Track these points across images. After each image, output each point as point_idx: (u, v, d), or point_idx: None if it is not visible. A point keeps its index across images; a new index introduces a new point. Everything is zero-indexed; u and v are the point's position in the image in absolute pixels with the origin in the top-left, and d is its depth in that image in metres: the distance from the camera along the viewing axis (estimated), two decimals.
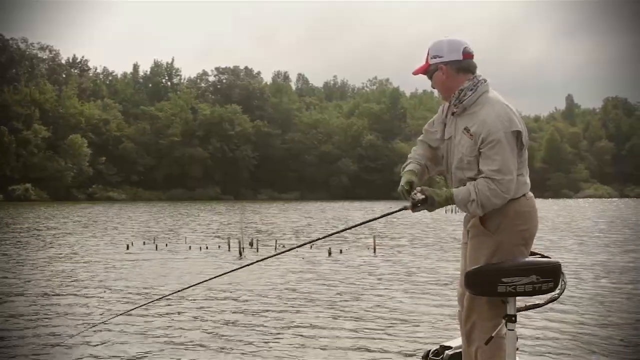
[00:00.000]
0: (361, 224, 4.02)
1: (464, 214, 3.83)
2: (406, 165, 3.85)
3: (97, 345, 6.55)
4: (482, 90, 3.56)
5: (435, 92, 3.91)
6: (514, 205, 3.55)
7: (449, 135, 3.70)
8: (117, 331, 7.13)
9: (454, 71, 3.58)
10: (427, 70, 3.68)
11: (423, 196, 3.51)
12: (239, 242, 15.85)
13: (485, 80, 3.60)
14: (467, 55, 3.59)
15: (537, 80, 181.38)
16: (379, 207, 51.33)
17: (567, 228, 25.67)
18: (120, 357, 6.13)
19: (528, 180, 3.65)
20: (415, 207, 3.55)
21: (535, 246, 3.74)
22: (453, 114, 3.67)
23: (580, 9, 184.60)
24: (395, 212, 3.72)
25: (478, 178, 3.49)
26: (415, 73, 3.77)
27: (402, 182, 3.72)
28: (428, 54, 3.67)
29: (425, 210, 3.61)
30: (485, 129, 3.44)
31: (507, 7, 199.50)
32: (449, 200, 3.53)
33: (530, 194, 3.67)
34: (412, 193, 3.57)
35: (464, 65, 3.59)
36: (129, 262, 13.95)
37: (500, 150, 3.41)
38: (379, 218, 3.89)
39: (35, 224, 27.83)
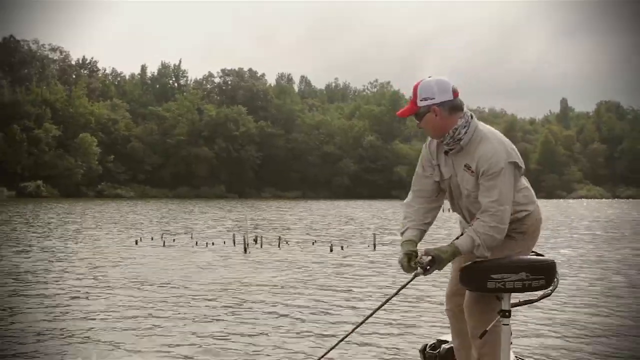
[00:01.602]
0: (391, 297, 3.70)
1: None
2: (404, 231, 3.70)
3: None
4: (474, 125, 3.51)
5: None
6: (536, 211, 3.65)
7: (449, 175, 3.63)
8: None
9: (447, 112, 3.48)
10: (417, 113, 3.54)
11: (430, 257, 3.45)
12: (244, 239, 15.92)
13: (472, 116, 3.54)
14: (456, 93, 3.51)
15: (532, 84, 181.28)
16: (379, 205, 51.42)
17: (566, 226, 25.71)
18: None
19: None
20: (427, 270, 3.47)
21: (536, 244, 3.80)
22: (446, 152, 3.60)
23: (579, 9, 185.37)
24: (411, 281, 3.58)
25: (474, 219, 3.47)
26: (403, 115, 3.63)
27: (401, 254, 3.61)
28: (416, 96, 3.52)
29: (437, 270, 3.51)
30: (486, 164, 3.41)
31: (507, 7, 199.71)
32: (455, 254, 3.47)
33: None
34: (419, 257, 3.50)
35: (456, 104, 3.50)
36: (136, 257, 14.03)
37: (498, 182, 3.39)
38: (397, 292, 3.67)
39: (48, 220, 27.92)
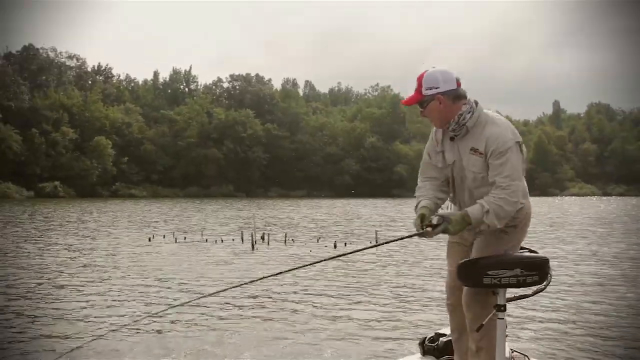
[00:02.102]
0: (384, 243, 4.29)
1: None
2: (418, 204, 3.66)
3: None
4: (479, 110, 3.53)
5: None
6: (527, 206, 3.63)
7: (453, 160, 3.62)
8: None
9: (451, 100, 3.49)
10: (421, 101, 3.55)
11: (438, 216, 3.44)
12: (252, 236, 15.94)
13: (477, 102, 3.55)
14: (459, 83, 3.53)
15: (526, 88, 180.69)
16: (380, 203, 51.39)
17: (560, 223, 25.66)
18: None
19: None
20: (435, 228, 3.41)
21: (531, 241, 3.79)
22: (452, 139, 3.60)
23: (569, 20, 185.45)
24: (415, 235, 3.53)
25: (488, 194, 3.43)
26: (408, 103, 3.63)
27: (416, 216, 3.57)
28: (421, 85, 3.52)
29: (447, 234, 3.48)
30: (495, 144, 3.43)
31: (501, 18, 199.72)
32: (465, 218, 3.41)
33: None
34: (430, 219, 3.46)
35: (459, 93, 3.52)
36: (150, 252, 14.05)
37: (509, 159, 3.41)
38: (399, 239, 3.80)
39: (68, 219, 27.99)
